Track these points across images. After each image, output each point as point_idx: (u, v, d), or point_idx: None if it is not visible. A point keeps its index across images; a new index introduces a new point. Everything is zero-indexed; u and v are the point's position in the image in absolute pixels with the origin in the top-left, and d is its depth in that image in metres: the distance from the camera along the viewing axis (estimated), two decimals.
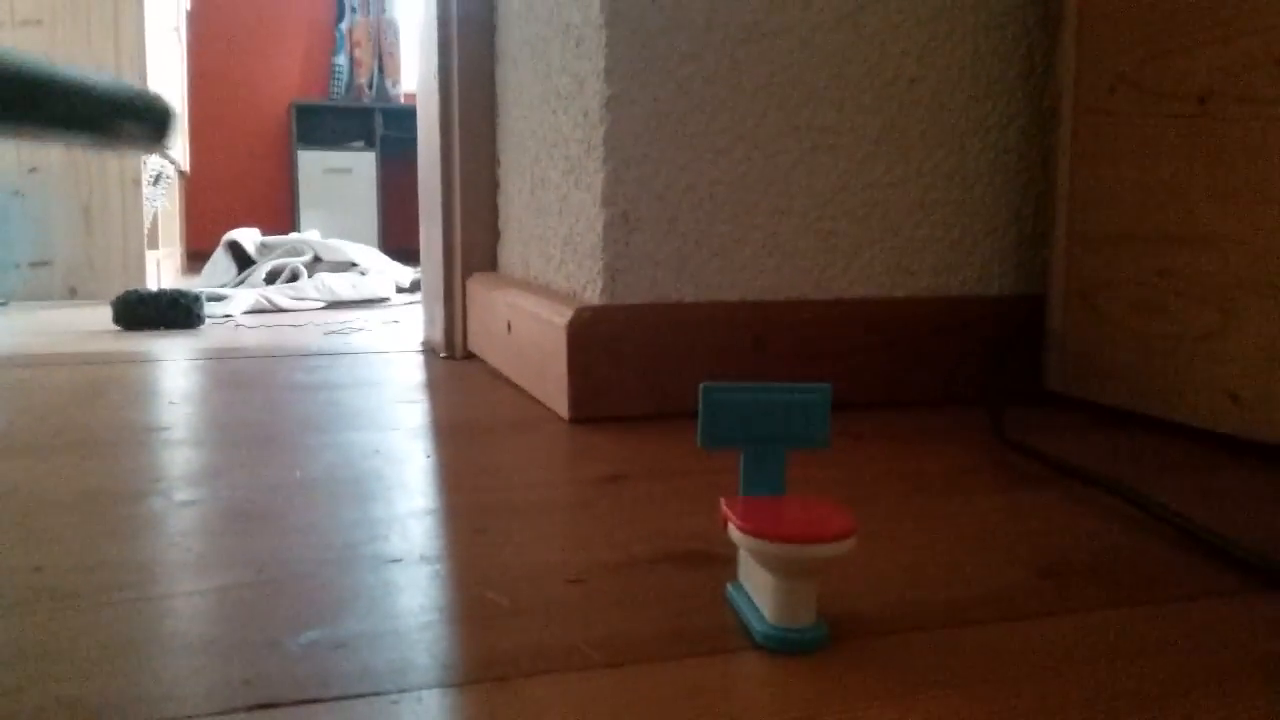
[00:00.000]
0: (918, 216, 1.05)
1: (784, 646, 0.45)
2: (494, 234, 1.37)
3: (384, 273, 2.53)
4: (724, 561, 0.56)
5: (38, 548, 0.58)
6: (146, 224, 2.73)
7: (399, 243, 5.37)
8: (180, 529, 0.62)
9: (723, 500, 0.48)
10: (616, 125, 0.95)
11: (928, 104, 1.04)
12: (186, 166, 4.06)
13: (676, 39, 0.96)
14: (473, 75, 1.34)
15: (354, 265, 2.54)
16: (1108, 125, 0.95)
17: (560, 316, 0.96)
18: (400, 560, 0.57)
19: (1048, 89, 1.06)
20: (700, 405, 0.48)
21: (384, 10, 5.80)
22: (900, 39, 1.02)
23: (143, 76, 2.64)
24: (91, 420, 0.97)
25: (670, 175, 0.97)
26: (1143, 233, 0.92)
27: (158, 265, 2.92)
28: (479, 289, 1.30)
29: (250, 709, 0.39)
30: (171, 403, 1.06)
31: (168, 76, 3.35)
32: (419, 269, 1.58)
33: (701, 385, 0.48)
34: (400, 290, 2.58)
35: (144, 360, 1.40)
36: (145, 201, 2.72)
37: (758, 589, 0.47)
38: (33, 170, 2.60)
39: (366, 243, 3.18)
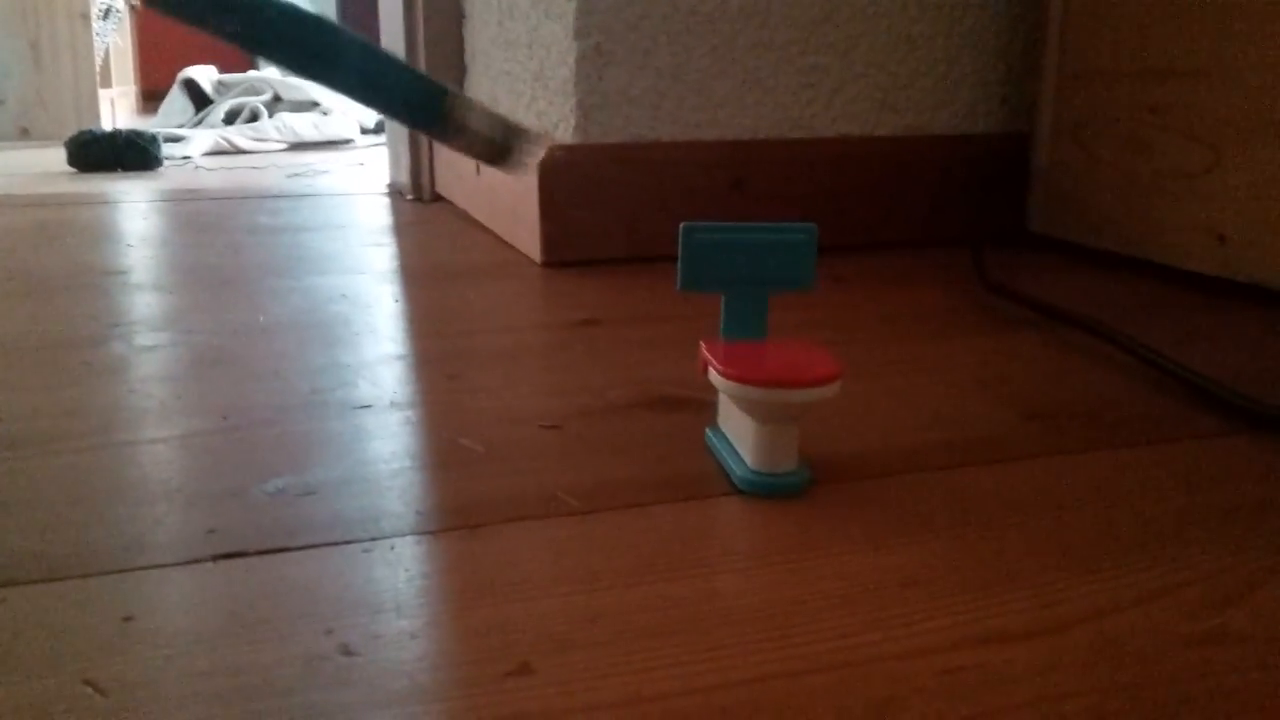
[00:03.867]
0: (903, 50, 1.00)
1: (765, 491, 0.44)
2: (461, 69, 1.31)
3: (347, 113, 2.45)
4: (702, 406, 0.55)
5: None
6: (98, 60, 2.61)
7: None
8: (141, 375, 0.60)
9: (702, 343, 0.46)
10: None
11: None
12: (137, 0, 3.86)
13: None
14: None
15: (316, 105, 2.44)
16: None
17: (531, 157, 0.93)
18: (370, 406, 0.55)
19: None
20: (680, 246, 0.46)
21: None
22: None
23: None
24: (47, 264, 0.93)
25: (645, 3, 0.92)
26: (1135, 67, 0.88)
27: (112, 105, 2.80)
28: None
29: (216, 559, 0.38)
30: (129, 245, 1.02)
31: None
32: None
33: (682, 225, 0.46)
34: (365, 131, 2.50)
35: (100, 202, 1.35)
36: (95, 37, 2.59)
37: (738, 434, 0.46)
38: None
39: None
